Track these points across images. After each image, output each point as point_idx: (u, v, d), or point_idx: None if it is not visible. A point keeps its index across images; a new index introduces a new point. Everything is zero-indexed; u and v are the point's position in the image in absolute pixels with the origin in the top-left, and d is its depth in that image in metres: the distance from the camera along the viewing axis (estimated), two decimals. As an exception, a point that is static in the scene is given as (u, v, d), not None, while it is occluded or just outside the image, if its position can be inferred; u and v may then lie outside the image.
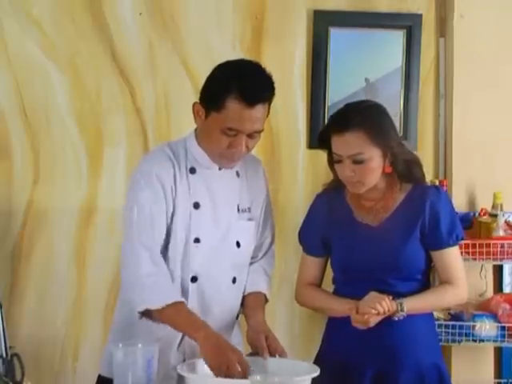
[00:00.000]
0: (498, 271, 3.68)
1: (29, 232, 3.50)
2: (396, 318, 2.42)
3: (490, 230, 3.46)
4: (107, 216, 3.50)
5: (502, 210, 3.48)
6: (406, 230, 2.48)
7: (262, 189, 2.54)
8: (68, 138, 3.51)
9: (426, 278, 2.54)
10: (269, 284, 2.55)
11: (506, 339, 3.44)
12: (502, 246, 3.42)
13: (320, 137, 2.53)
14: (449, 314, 3.50)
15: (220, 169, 2.42)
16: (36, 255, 3.50)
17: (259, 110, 2.27)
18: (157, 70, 3.57)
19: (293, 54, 3.65)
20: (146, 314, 2.31)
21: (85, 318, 3.53)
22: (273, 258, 2.60)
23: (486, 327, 3.44)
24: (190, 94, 3.42)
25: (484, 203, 3.57)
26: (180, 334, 2.37)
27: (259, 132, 2.31)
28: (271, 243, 2.59)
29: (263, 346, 2.28)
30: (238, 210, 2.44)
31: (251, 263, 2.52)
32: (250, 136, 2.30)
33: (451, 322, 3.43)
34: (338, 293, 2.57)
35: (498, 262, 3.50)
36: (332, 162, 2.50)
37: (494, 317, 3.45)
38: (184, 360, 2.35)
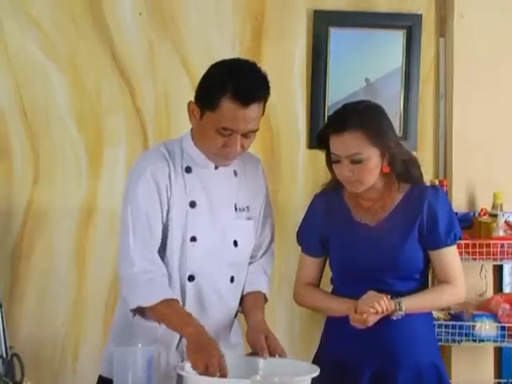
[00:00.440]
0: (498, 271, 3.68)
1: (29, 232, 3.50)
2: (394, 318, 2.43)
3: (490, 230, 3.45)
4: (107, 216, 3.50)
5: (501, 210, 3.48)
6: (404, 230, 2.48)
7: (261, 188, 2.54)
8: (68, 138, 3.51)
9: (424, 278, 2.55)
10: (268, 283, 2.55)
11: (506, 339, 3.44)
12: (502, 246, 3.42)
13: (318, 137, 2.54)
14: (449, 313, 3.50)
15: (216, 168, 2.42)
16: (36, 255, 3.50)
17: (254, 109, 2.27)
18: (157, 70, 3.57)
19: (293, 54, 3.65)
20: (139, 311, 2.32)
21: (85, 318, 3.53)
22: (272, 257, 2.60)
23: (486, 327, 3.44)
24: (189, 94, 3.35)
25: (484, 203, 3.57)
26: (179, 335, 2.36)
27: (254, 131, 2.31)
28: (271, 242, 2.58)
29: (263, 345, 2.27)
30: (236, 209, 2.44)
31: (250, 262, 2.52)
32: (245, 135, 2.30)
33: (451, 322, 3.43)
34: (336, 292, 2.58)
35: (498, 262, 3.50)
36: (330, 162, 2.51)
37: (494, 317, 3.45)
38: (183, 360, 2.34)
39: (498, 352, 3.65)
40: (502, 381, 3.64)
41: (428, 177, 3.38)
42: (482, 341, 3.45)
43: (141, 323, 2.36)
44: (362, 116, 2.43)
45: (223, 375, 2.12)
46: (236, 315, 2.50)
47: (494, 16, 3.64)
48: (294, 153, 3.65)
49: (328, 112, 3.57)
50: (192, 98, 2.38)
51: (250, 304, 2.47)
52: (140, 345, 2.19)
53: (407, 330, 2.47)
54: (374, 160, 2.44)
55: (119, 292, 2.53)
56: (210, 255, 2.39)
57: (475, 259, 3.41)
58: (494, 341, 3.46)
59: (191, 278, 2.38)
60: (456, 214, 2.95)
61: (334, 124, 2.47)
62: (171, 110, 3.56)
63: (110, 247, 3.46)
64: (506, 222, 3.51)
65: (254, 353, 2.31)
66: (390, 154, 2.46)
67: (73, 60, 3.51)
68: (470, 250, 3.38)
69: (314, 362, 2.48)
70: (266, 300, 2.52)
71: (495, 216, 3.47)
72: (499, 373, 3.67)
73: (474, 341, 3.44)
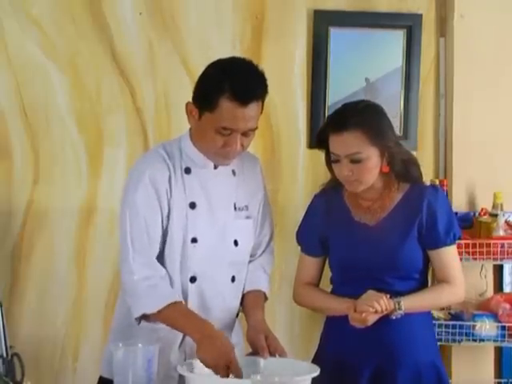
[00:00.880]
0: (498, 271, 3.69)
1: (29, 232, 3.50)
2: (394, 317, 2.43)
3: (491, 230, 3.46)
4: (107, 216, 3.50)
5: (502, 209, 3.49)
6: (404, 230, 2.49)
7: (259, 187, 2.54)
8: (68, 138, 3.51)
9: (423, 277, 2.55)
10: (268, 282, 2.55)
11: (506, 339, 3.44)
12: (502, 245, 3.42)
13: (318, 137, 2.54)
14: (449, 313, 3.51)
15: (215, 168, 2.42)
16: (36, 255, 3.50)
17: (253, 108, 2.27)
18: (157, 70, 3.57)
19: (293, 54, 3.65)
20: (144, 317, 2.31)
21: (85, 318, 3.53)
22: (272, 255, 2.60)
23: (486, 327, 3.44)
24: (190, 94, 3.37)
25: (484, 203, 3.57)
26: (181, 334, 2.37)
27: (253, 130, 2.31)
28: (270, 240, 2.58)
29: (263, 345, 2.27)
30: (235, 208, 2.44)
31: (250, 261, 2.52)
32: (245, 134, 2.30)
33: (451, 322, 3.43)
34: (335, 292, 2.58)
35: (498, 262, 3.50)
36: (330, 161, 2.51)
37: (494, 316, 3.45)
38: (185, 360, 2.35)
39: (498, 352, 3.65)
40: (502, 381, 3.64)
41: (428, 177, 3.38)
42: (482, 340, 3.45)
43: (142, 323, 2.36)
44: (362, 116, 2.44)
45: (238, 376, 2.13)
46: (237, 315, 2.50)
47: (494, 16, 3.64)
48: (294, 152, 3.65)
49: (328, 112, 3.57)
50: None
51: (250, 303, 2.47)
52: (140, 345, 2.19)
53: (407, 330, 2.47)
54: (373, 160, 2.44)
55: (119, 292, 2.54)
56: (211, 256, 2.39)
57: (475, 259, 3.41)
58: (494, 340, 3.46)
59: (193, 280, 2.38)
60: (456, 213, 2.96)
61: (333, 123, 2.47)
62: (171, 110, 3.56)
63: (110, 247, 3.46)
64: (507, 222, 3.51)
65: (254, 352, 2.30)
66: (389, 154, 2.46)
67: (73, 60, 3.51)
68: (471, 249, 3.39)
69: (314, 361, 2.48)
70: (266, 298, 2.52)
71: (495, 216, 3.47)
72: (499, 373, 3.67)
73: (474, 340, 3.44)
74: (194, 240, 2.36)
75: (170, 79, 3.56)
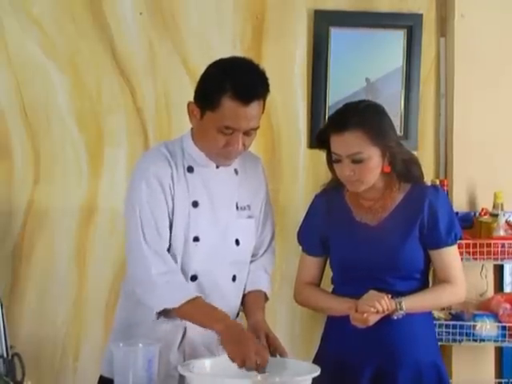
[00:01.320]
0: (499, 271, 3.68)
1: (29, 232, 3.50)
2: (395, 317, 2.43)
3: (491, 230, 3.45)
4: (108, 216, 3.50)
5: (502, 209, 3.48)
6: (405, 230, 2.49)
7: (261, 186, 2.55)
8: (68, 138, 3.51)
9: (424, 277, 2.55)
10: (269, 282, 2.55)
11: (507, 339, 3.44)
12: (503, 245, 3.42)
13: (319, 137, 2.54)
14: (449, 313, 3.51)
15: (217, 167, 2.42)
16: (36, 255, 3.50)
17: (254, 107, 2.28)
18: (157, 70, 3.57)
19: (293, 54, 3.64)
20: (163, 312, 2.32)
21: (85, 318, 3.53)
22: (273, 255, 2.60)
23: (487, 327, 3.44)
24: (190, 94, 3.37)
25: (485, 203, 3.57)
26: (180, 334, 2.38)
27: (255, 129, 2.32)
28: (271, 240, 2.58)
29: (264, 345, 2.27)
30: (237, 207, 2.45)
31: (251, 261, 2.52)
32: (247, 133, 2.31)
33: (452, 322, 3.43)
34: (336, 292, 2.58)
35: (499, 262, 3.50)
36: (331, 161, 2.51)
37: (495, 316, 3.45)
38: (184, 360, 2.34)
39: (499, 352, 3.65)
40: (503, 381, 3.64)
41: (429, 176, 3.38)
42: (483, 340, 3.45)
43: (142, 323, 2.36)
44: (363, 115, 2.44)
45: (263, 365, 2.13)
46: (238, 315, 2.50)
47: (495, 16, 3.64)
48: (294, 152, 3.65)
49: (328, 112, 3.57)
50: (192, 98, 2.37)
51: (250, 303, 2.47)
52: (141, 345, 2.19)
53: (408, 330, 2.47)
54: (374, 159, 2.44)
55: (120, 291, 2.54)
56: (213, 255, 2.39)
57: (476, 259, 3.41)
58: (495, 340, 3.46)
59: (194, 278, 2.38)
60: (457, 213, 2.96)
61: (334, 123, 2.47)
62: (172, 110, 3.56)
63: (110, 247, 3.47)
64: (507, 222, 3.51)
65: (255, 352, 2.31)
66: (390, 154, 2.46)
67: (73, 59, 3.51)
68: (471, 249, 3.38)
69: (315, 361, 2.48)
70: (267, 299, 2.52)
71: (496, 216, 3.47)
72: (500, 373, 3.66)
73: (475, 340, 3.44)
74: (196, 239, 2.37)
75: (171, 79, 3.56)
